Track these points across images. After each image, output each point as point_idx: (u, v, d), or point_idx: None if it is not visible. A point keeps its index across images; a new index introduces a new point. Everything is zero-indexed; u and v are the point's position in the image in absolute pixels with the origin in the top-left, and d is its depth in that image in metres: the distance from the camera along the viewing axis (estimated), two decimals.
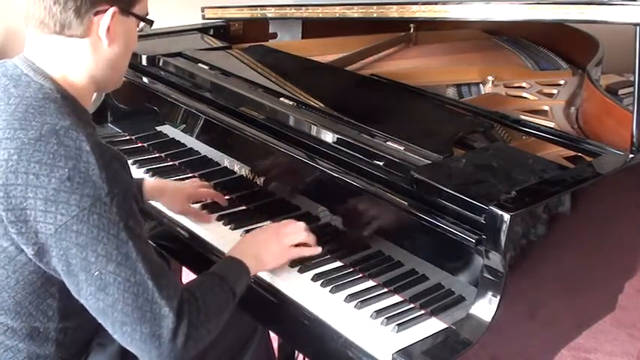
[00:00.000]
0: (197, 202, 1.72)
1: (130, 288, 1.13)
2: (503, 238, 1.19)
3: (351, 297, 1.37)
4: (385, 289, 1.40)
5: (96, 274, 1.13)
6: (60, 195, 1.11)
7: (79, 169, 1.12)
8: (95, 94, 2.15)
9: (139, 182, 1.70)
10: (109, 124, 2.15)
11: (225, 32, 2.34)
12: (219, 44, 2.19)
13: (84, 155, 1.13)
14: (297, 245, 1.47)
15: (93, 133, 1.19)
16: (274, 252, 1.44)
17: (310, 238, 1.48)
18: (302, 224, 1.48)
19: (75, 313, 1.23)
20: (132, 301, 1.13)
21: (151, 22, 1.33)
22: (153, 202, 1.73)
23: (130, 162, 1.89)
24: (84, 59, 1.24)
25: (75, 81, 1.25)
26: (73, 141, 1.14)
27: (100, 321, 1.18)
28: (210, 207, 1.69)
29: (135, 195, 1.21)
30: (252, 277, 1.44)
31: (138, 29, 1.32)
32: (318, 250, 1.48)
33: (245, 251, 1.41)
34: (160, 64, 2.02)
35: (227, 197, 1.74)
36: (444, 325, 1.29)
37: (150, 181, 1.74)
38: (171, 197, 1.70)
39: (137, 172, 1.89)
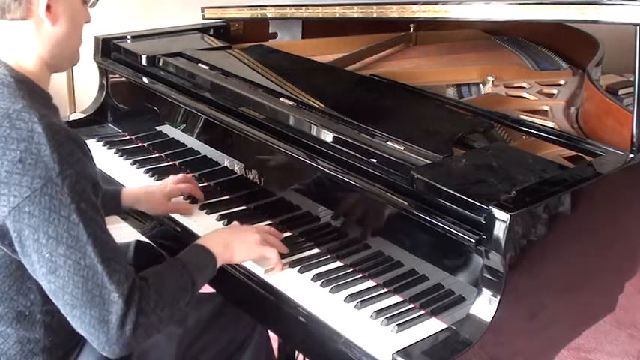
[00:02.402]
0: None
1: (79, 271, 1.13)
2: (503, 238, 1.19)
3: (351, 297, 1.37)
4: (385, 289, 1.39)
5: (47, 255, 1.13)
6: (12, 177, 1.13)
7: (30, 150, 1.13)
8: (96, 94, 2.18)
9: (118, 191, 1.69)
10: (109, 124, 2.15)
11: (225, 32, 2.34)
12: (219, 44, 2.19)
13: (36, 137, 1.14)
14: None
15: (49, 114, 1.19)
16: (246, 243, 1.43)
17: (283, 248, 1.47)
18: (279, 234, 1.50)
19: None
20: (81, 284, 1.14)
21: None
22: None
23: (129, 162, 1.92)
24: (31, 42, 1.26)
25: (27, 64, 1.27)
26: (26, 123, 1.15)
27: (54, 302, 1.18)
28: (211, 207, 1.69)
29: (93, 178, 1.20)
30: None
31: (89, 5, 1.34)
32: (279, 266, 1.45)
33: (215, 238, 1.41)
34: (160, 64, 2.02)
35: (227, 197, 1.74)
36: (444, 325, 1.29)
37: (127, 193, 1.70)
38: (148, 203, 1.69)
39: (137, 172, 1.89)
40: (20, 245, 1.15)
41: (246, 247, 1.42)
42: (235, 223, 1.62)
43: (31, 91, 1.24)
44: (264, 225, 1.56)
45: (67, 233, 1.13)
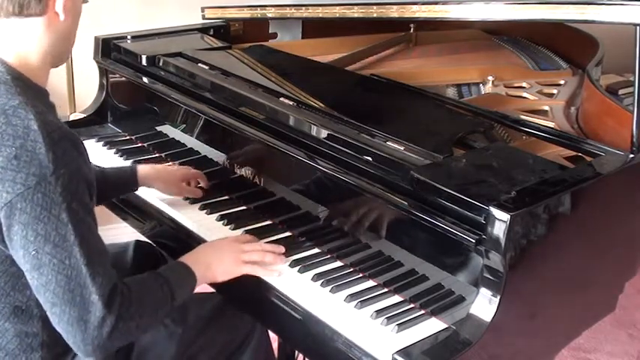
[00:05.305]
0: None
1: (63, 270, 1.15)
2: (503, 238, 1.19)
3: (351, 297, 1.37)
4: (385, 289, 1.39)
5: (33, 253, 1.14)
6: (7, 173, 1.13)
7: (26, 147, 1.14)
8: (96, 95, 2.18)
9: (133, 168, 1.73)
10: (109, 124, 2.15)
11: (225, 32, 2.34)
12: (219, 44, 2.19)
13: (31, 134, 1.14)
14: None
15: (44, 111, 1.20)
16: (227, 264, 1.43)
17: (268, 257, 1.46)
18: (262, 243, 1.49)
19: None
20: (64, 283, 1.15)
21: None
22: (153, 202, 1.73)
23: (129, 162, 1.91)
24: (39, 37, 1.27)
25: (30, 60, 1.28)
26: (21, 120, 1.16)
27: (38, 298, 1.19)
28: (211, 207, 1.69)
29: (88, 178, 1.21)
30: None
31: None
32: (273, 273, 1.45)
33: (198, 259, 1.42)
34: (160, 64, 2.02)
35: (227, 197, 1.75)
36: (444, 325, 1.29)
37: (144, 167, 1.75)
38: (166, 181, 1.72)
39: None
40: (9, 240, 1.17)
41: (226, 268, 1.43)
42: (238, 231, 1.62)
43: (27, 87, 1.24)
44: (243, 236, 1.55)
45: (55, 232, 1.14)
